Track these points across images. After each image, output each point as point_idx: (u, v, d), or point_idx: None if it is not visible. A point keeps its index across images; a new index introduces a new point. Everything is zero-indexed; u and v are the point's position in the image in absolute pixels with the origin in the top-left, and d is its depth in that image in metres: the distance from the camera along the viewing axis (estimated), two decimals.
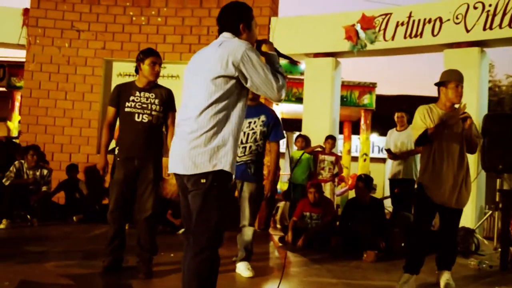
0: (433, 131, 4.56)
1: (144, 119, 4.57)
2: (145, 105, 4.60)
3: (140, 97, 4.61)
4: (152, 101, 4.63)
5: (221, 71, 2.85)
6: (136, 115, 4.57)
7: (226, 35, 3.04)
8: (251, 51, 2.88)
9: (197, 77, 2.95)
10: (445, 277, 4.76)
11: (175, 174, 2.99)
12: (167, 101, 4.71)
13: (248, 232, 4.91)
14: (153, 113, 4.61)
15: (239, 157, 4.82)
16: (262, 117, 4.91)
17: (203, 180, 2.83)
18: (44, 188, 7.83)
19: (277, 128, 4.99)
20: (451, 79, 4.74)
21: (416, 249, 4.72)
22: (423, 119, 4.68)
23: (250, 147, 4.85)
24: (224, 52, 2.86)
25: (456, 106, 4.77)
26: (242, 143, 4.82)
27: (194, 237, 2.89)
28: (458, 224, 4.89)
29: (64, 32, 9.38)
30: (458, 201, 4.65)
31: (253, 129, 4.86)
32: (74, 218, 8.12)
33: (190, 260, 2.89)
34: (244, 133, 4.84)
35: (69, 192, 8.59)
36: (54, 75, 9.35)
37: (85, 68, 9.34)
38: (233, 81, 2.88)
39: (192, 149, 2.84)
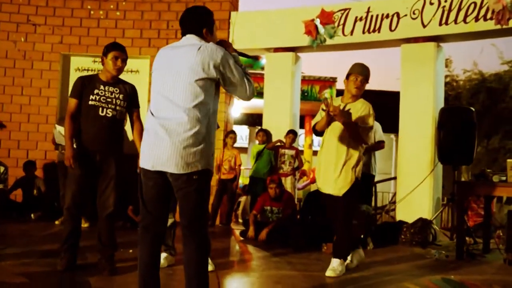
0: (318, 122, 4.95)
1: (108, 114, 4.51)
2: (109, 100, 4.53)
3: (105, 91, 4.53)
4: (117, 96, 4.57)
5: (204, 74, 3.03)
6: (100, 109, 4.49)
7: (193, 37, 3.20)
8: (228, 55, 3.11)
9: (176, 78, 3.07)
10: (331, 264, 4.88)
11: (152, 171, 3.08)
12: (131, 97, 4.67)
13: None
14: (118, 108, 4.55)
15: None
16: None
17: (195, 177, 3.02)
18: (0, 186, 7.66)
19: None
20: (352, 72, 4.99)
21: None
22: (320, 112, 5.00)
23: None
24: (205, 56, 3.04)
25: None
26: None
27: (193, 229, 3.09)
28: (342, 211, 4.92)
29: (20, 26, 9.17)
30: (335, 188, 4.88)
31: None
32: (32, 215, 7.99)
33: (193, 251, 3.07)
34: None
35: (27, 190, 8.43)
36: (10, 70, 9.13)
37: (42, 63, 9.15)
38: (213, 84, 3.10)
39: (184, 149, 2.98)
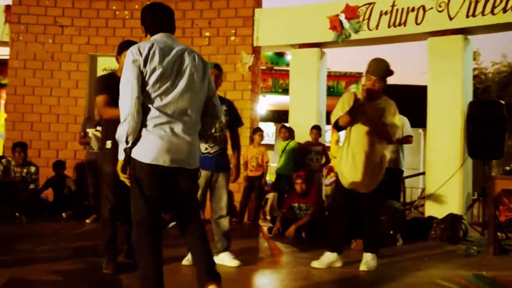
0: (342, 117, 4.81)
1: None
2: None
3: None
4: None
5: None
6: None
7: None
8: None
9: (192, 83, 3.30)
10: (364, 258, 4.91)
11: (168, 169, 3.17)
12: None
13: (227, 222, 4.91)
14: None
15: (211, 147, 4.86)
16: (224, 107, 4.91)
17: (197, 172, 3.42)
18: (31, 186, 7.79)
19: (238, 115, 5.17)
20: (367, 71, 4.87)
21: (334, 231, 5.06)
22: (342, 106, 4.90)
23: (220, 136, 4.91)
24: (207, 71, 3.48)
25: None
26: (212, 133, 4.84)
27: (198, 215, 3.42)
28: (373, 207, 4.96)
29: (47, 28, 9.32)
30: (365, 186, 4.86)
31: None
32: (63, 214, 8.11)
33: (204, 237, 3.29)
34: None
35: (57, 189, 8.57)
36: (39, 72, 9.30)
37: (70, 63, 9.29)
38: None
39: (196, 148, 3.34)
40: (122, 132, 3.13)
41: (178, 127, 3.20)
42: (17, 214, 7.58)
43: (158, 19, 3.41)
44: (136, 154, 3.15)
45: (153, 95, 3.17)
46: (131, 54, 3.17)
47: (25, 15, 9.32)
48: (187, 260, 4.73)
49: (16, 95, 9.30)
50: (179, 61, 3.28)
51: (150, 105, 3.17)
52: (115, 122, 4.48)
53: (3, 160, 7.75)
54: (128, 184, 3.19)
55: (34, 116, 9.24)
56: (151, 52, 3.18)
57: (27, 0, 9.33)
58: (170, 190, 3.25)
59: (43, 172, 8.50)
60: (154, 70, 3.16)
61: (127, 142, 3.14)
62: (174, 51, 3.27)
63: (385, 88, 4.85)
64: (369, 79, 4.77)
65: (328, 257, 4.97)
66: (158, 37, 3.34)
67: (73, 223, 7.58)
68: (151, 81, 3.16)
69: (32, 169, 7.86)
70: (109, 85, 4.50)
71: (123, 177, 3.21)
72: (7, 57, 9.58)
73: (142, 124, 3.15)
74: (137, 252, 3.17)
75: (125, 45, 4.57)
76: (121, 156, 3.18)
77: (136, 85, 3.12)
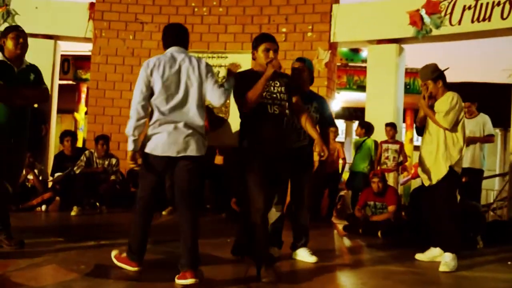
0: (418, 117, 5.23)
1: (276, 111, 4.23)
2: (274, 95, 4.24)
3: (268, 85, 4.21)
4: (279, 89, 4.29)
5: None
6: (268, 106, 4.20)
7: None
8: None
9: (190, 85, 3.98)
10: (444, 258, 4.79)
11: (174, 157, 3.92)
12: (290, 87, 4.39)
13: (305, 217, 4.91)
14: (282, 103, 4.27)
15: (294, 142, 4.80)
16: (315, 104, 4.89)
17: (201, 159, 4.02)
18: (112, 177, 8.05)
19: (329, 114, 5.11)
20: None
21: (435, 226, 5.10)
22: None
23: (305, 132, 4.66)
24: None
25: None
26: (295, 127, 4.74)
27: (193, 201, 4.09)
28: (437, 200, 4.92)
29: (129, 24, 9.59)
30: (429, 177, 4.98)
31: None
32: None
33: (189, 220, 3.97)
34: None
35: (135, 181, 8.79)
36: (119, 67, 9.59)
37: None
38: None
39: (198, 138, 3.97)
40: (129, 126, 3.93)
41: (181, 124, 3.88)
42: (98, 204, 7.88)
43: (172, 35, 4.17)
44: (147, 148, 3.95)
45: (159, 100, 3.90)
46: (144, 65, 4.02)
47: (108, 12, 9.63)
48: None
49: (97, 90, 9.64)
50: (179, 69, 3.95)
51: (158, 109, 3.90)
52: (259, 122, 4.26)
53: (87, 152, 8.04)
54: (137, 168, 4.06)
55: (114, 110, 9.53)
56: (157, 64, 3.96)
57: None
58: (176, 176, 3.97)
59: (122, 165, 8.76)
60: (158, 79, 3.91)
61: (133, 135, 3.93)
62: (177, 62, 3.97)
63: (446, 86, 5.05)
64: (422, 86, 5.08)
65: (432, 252, 5.11)
66: (170, 49, 4.10)
67: None
68: (156, 88, 3.91)
69: (113, 161, 8.12)
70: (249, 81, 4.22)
71: (133, 165, 3.96)
72: (89, 53, 9.93)
73: (152, 124, 3.92)
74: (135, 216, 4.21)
75: (260, 40, 4.31)
76: (131, 147, 3.97)
77: (143, 88, 3.93)
